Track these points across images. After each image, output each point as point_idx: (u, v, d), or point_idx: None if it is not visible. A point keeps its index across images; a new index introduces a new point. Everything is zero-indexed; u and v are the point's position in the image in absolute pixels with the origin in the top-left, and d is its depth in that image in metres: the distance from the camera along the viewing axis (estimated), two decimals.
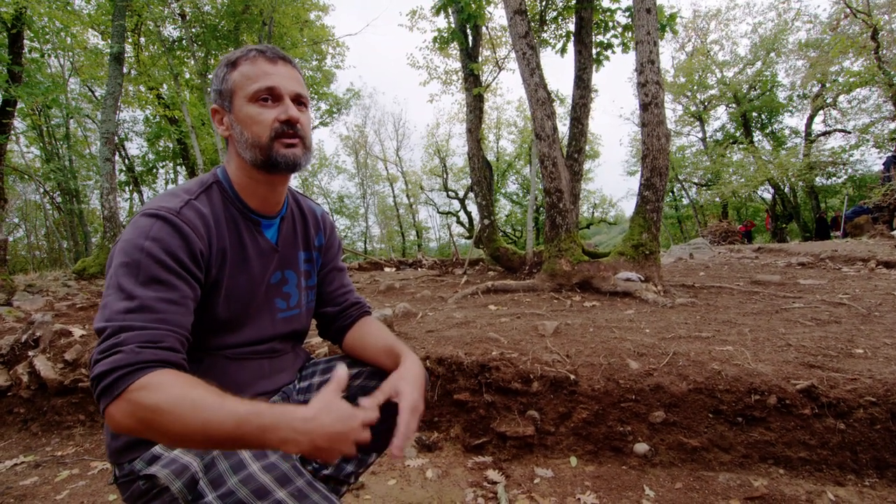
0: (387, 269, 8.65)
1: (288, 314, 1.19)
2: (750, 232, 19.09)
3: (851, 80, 15.84)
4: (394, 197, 30.89)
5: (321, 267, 1.32)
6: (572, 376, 2.15)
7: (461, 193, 27.09)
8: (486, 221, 7.21)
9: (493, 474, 2.00)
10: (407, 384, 1.04)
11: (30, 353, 2.92)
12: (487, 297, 4.47)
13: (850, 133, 18.53)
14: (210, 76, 9.90)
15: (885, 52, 13.64)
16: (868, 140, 17.27)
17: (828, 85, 17.56)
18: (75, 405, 2.77)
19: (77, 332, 3.15)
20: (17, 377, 2.85)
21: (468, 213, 26.89)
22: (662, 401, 2.02)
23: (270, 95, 1.02)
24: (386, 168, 30.60)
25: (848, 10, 14.01)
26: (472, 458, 2.14)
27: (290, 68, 1.06)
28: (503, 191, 28.49)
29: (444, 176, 27.62)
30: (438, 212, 30.50)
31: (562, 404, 2.15)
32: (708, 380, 2.01)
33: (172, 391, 0.78)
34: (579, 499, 1.81)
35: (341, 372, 0.90)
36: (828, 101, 18.46)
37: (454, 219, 28.67)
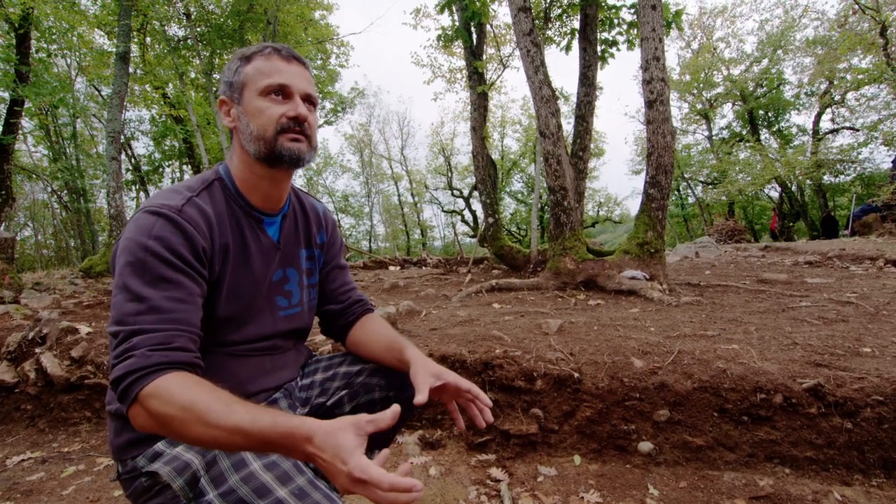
0: (391, 268, 8.66)
1: (289, 312, 1.19)
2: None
3: (860, 77, 15.67)
4: (398, 196, 30.95)
5: (323, 265, 1.32)
6: (576, 374, 2.14)
7: (466, 192, 27.09)
8: (491, 220, 7.20)
9: (496, 472, 2.00)
10: (442, 370, 1.10)
11: (37, 351, 2.94)
12: (491, 295, 4.46)
13: (858, 131, 18.34)
14: (215, 75, 9.93)
15: (893, 48, 13.46)
16: (877, 138, 17.07)
17: (836, 82, 17.37)
18: (81, 402, 2.78)
19: (83, 329, 3.16)
20: (25, 374, 2.87)
21: (473, 212, 26.89)
22: (667, 399, 2.01)
23: (282, 92, 1.03)
24: (391, 167, 30.67)
25: (856, 7, 13.84)
26: (475, 456, 2.14)
27: (302, 69, 1.08)
28: (508, 189, 28.45)
29: (449, 174, 27.61)
30: (443, 210, 30.52)
31: (565, 402, 2.14)
32: (713, 378, 1.99)
33: (181, 399, 0.79)
34: (583, 497, 1.80)
35: (390, 413, 0.80)
36: (836, 98, 18.28)
37: (458, 217, 28.69)
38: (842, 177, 19.66)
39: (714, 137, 23.41)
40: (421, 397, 1.00)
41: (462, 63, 12.69)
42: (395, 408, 0.81)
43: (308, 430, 0.75)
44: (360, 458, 0.72)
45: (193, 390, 0.80)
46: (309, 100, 1.08)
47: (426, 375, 1.06)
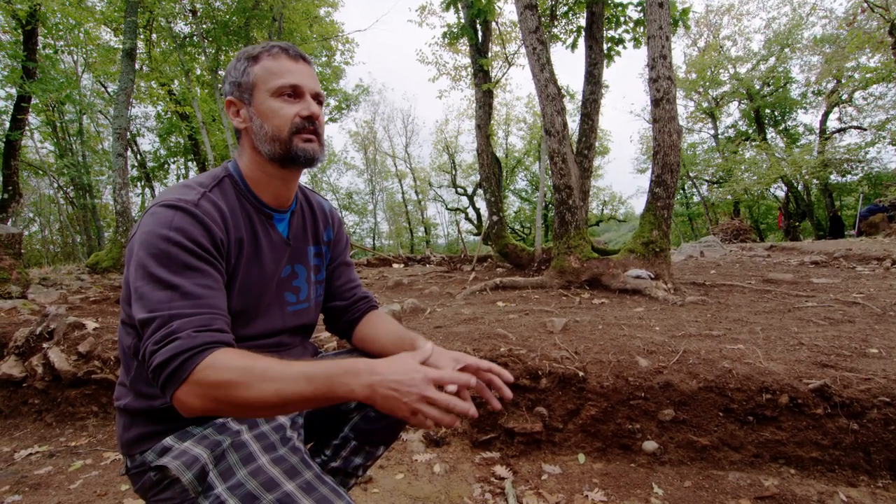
0: (395, 266, 8.67)
1: (297, 308, 1.20)
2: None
3: (868, 76, 15.58)
4: (402, 193, 30.94)
5: (329, 262, 1.33)
6: (581, 373, 2.14)
7: (470, 190, 27.07)
8: (495, 218, 7.19)
9: (500, 470, 2.00)
10: (459, 354, 1.11)
11: (44, 346, 2.97)
12: (496, 293, 4.47)
13: (865, 130, 18.22)
14: (221, 72, 9.96)
15: None
16: (884, 137, 16.97)
17: (843, 81, 17.26)
18: (88, 396, 2.81)
19: (90, 324, 3.19)
20: (32, 369, 2.89)
21: (477, 210, 26.86)
22: (672, 399, 2.01)
23: (293, 92, 1.05)
24: (395, 164, 30.66)
25: (865, 5, 13.73)
26: (479, 454, 2.14)
27: (309, 68, 1.09)
28: (512, 187, 28.40)
29: (453, 172, 27.59)
30: (447, 208, 30.53)
31: (570, 401, 2.14)
32: (718, 378, 1.99)
33: (239, 364, 0.81)
34: (587, 496, 1.80)
35: (428, 346, 1.00)
36: (843, 97, 18.16)
37: (463, 215, 28.68)
38: (849, 176, 19.54)
39: (720, 136, 23.30)
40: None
41: (467, 61, 12.66)
42: (429, 345, 1.00)
43: (367, 361, 0.84)
44: (428, 368, 0.83)
45: (248, 357, 0.84)
46: (317, 98, 1.09)
47: (447, 360, 1.05)
